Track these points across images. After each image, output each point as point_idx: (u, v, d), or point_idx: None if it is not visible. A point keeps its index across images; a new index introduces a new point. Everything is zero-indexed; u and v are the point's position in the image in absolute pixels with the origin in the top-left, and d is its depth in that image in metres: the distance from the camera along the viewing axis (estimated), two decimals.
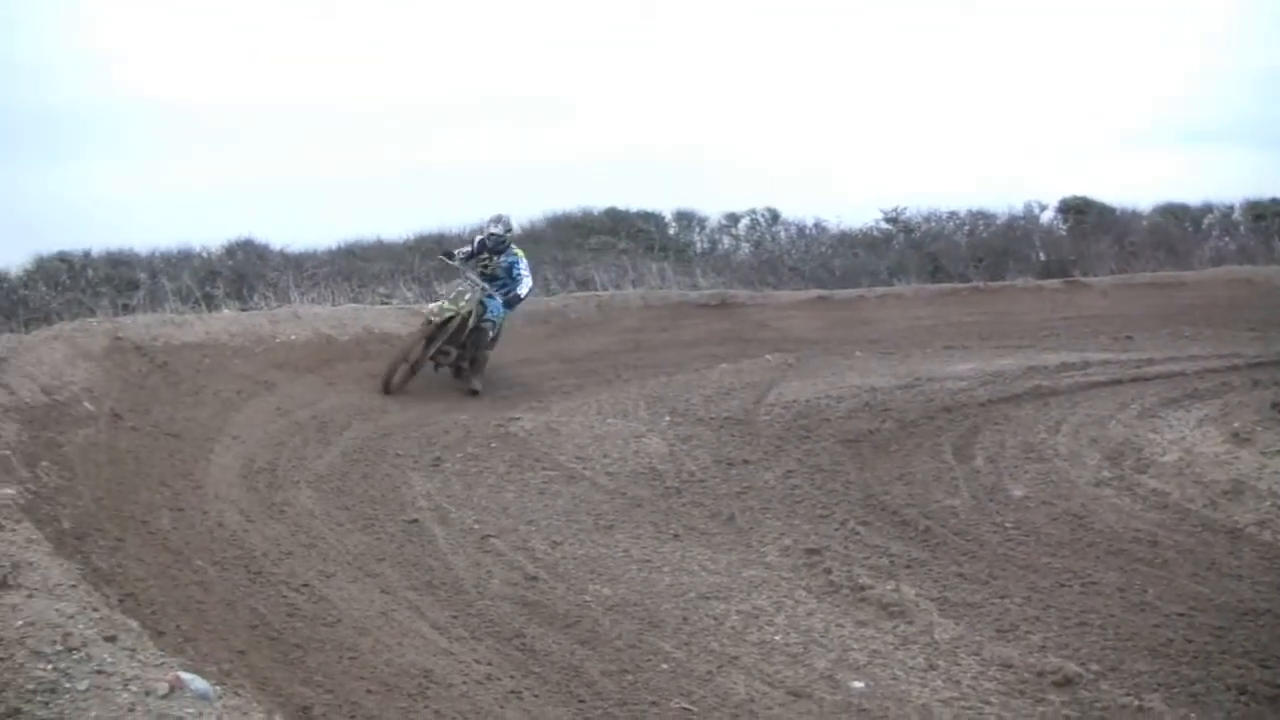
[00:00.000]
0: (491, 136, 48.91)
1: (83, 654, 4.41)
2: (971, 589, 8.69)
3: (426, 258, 24.76)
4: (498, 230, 16.49)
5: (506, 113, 52.21)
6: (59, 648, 4.42)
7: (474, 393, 16.17)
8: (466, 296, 15.96)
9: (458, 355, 16.39)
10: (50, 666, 4.28)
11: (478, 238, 16.81)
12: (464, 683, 6.93)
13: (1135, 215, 33.23)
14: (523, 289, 16.51)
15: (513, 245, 16.76)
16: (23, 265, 23.61)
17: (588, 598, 8.66)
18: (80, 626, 4.66)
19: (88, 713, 4.05)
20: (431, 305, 16.51)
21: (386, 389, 15.59)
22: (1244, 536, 9.63)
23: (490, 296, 16.20)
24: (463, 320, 15.94)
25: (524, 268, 16.57)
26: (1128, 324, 22.66)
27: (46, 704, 4.09)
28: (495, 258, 16.51)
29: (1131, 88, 54.12)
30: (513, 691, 6.94)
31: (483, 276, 16.36)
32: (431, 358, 16.12)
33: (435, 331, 15.86)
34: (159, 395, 12.58)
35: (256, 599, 7.74)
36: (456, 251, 16.83)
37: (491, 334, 16.53)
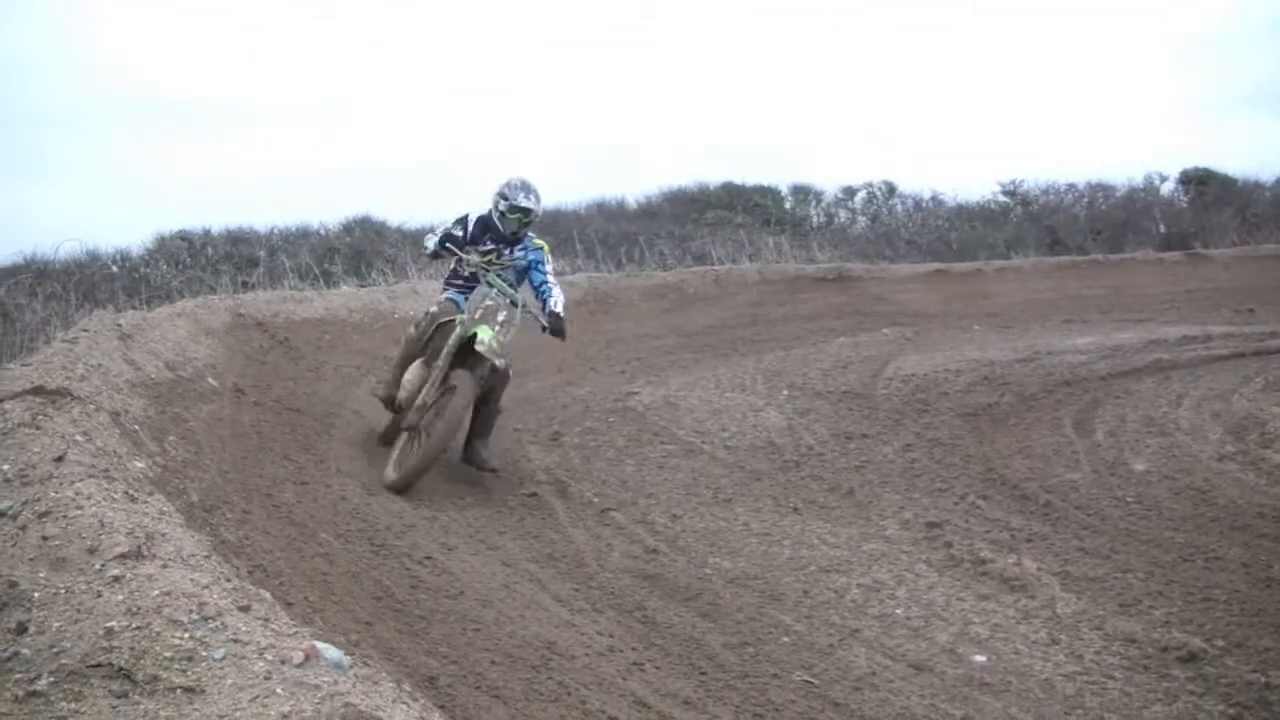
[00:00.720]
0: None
1: (218, 623, 4.48)
2: (1093, 563, 8.60)
3: (545, 232, 24.90)
4: (528, 203, 10.69)
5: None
6: (195, 616, 4.49)
7: (494, 470, 10.93)
8: (500, 318, 10.51)
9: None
10: (187, 635, 4.36)
11: (476, 213, 10.99)
12: (586, 654, 6.98)
13: (1258, 186, 32.65)
14: (559, 303, 11.02)
15: (532, 233, 11.11)
16: (145, 243, 24.08)
17: (708, 570, 8.69)
18: (215, 596, 4.73)
19: (224, 680, 4.12)
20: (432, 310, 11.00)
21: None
22: None
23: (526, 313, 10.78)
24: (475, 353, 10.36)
25: (550, 269, 11.18)
26: (1250, 296, 22.26)
27: (184, 671, 4.17)
28: (507, 250, 10.91)
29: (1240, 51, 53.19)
30: (635, 663, 6.97)
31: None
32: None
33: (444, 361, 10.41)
34: (280, 371, 12.73)
35: (380, 571, 7.82)
36: (453, 235, 10.86)
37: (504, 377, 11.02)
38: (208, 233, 24.86)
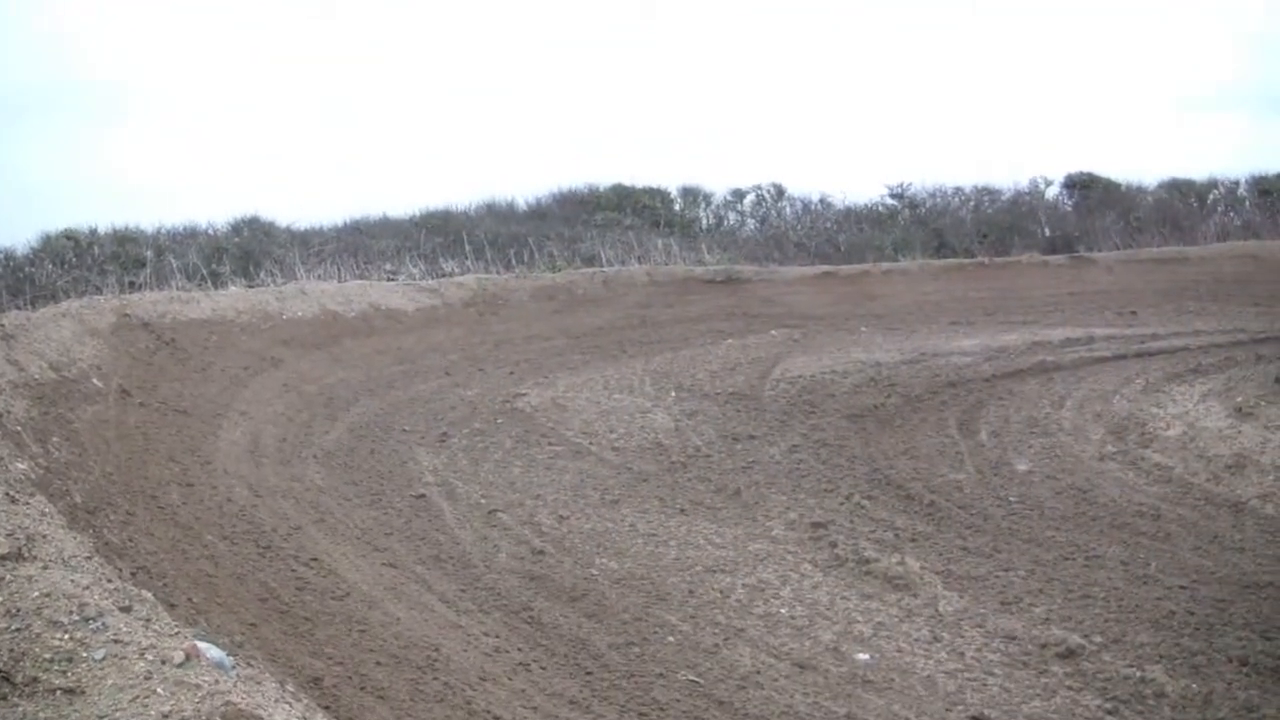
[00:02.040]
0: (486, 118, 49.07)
1: (99, 624, 4.45)
2: (976, 562, 8.73)
3: (433, 234, 24.85)
4: None
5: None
6: (75, 618, 4.46)
7: None
8: None
9: None
10: (67, 636, 4.32)
11: None
12: (472, 655, 6.99)
13: (1140, 191, 33.31)
14: None
15: None
16: (29, 243, 23.68)
17: (594, 571, 8.71)
18: (96, 597, 4.69)
19: (105, 681, 4.09)
20: None
21: None
22: (1247, 510, 9.65)
23: None
24: None
25: None
26: (1132, 299, 22.71)
27: (64, 672, 4.14)
28: None
29: (1131, 57, 54.09)
30: (521, 664, 6.99)
31: None
32: None
33: None
34: (167, 372, 12.62)
35: (266, 573, 7.78)
36: None
37: None
38: (94, 232, 24.49)
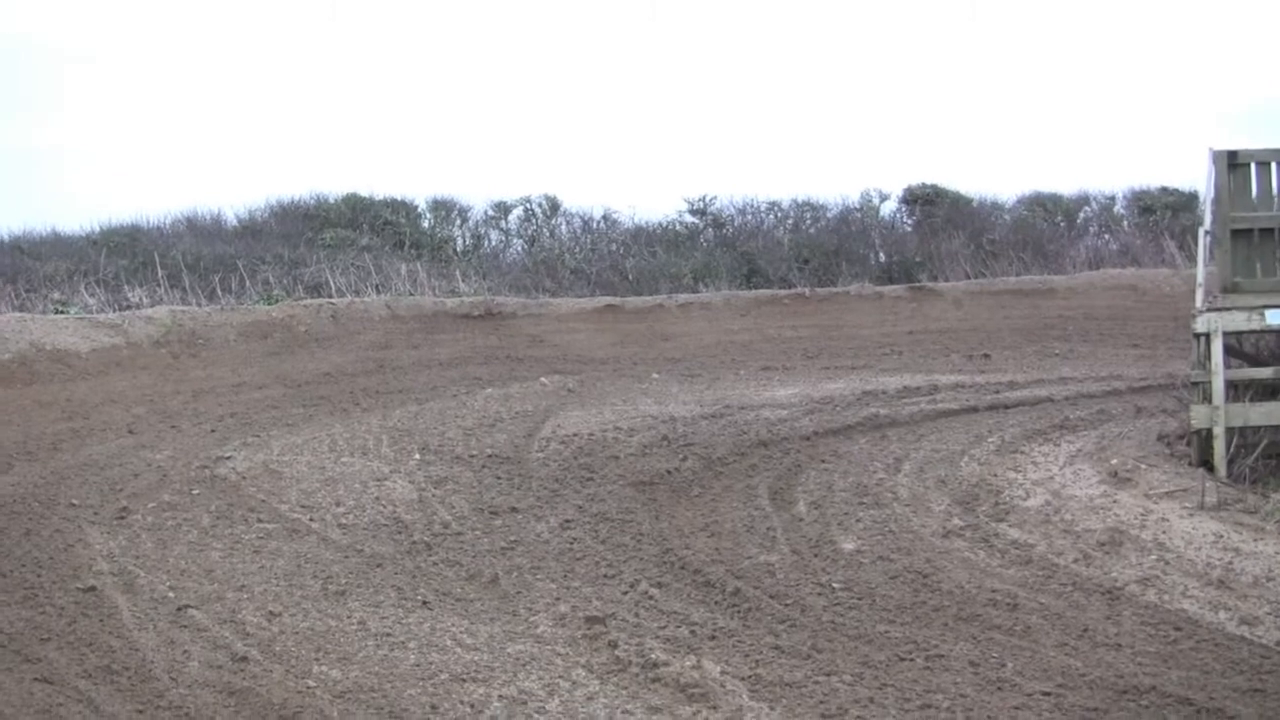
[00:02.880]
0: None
1: None
2: (791, 665, 8.73)
3: (115, 255, 24.38)
4: None
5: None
6: None
7: None
8: None
9: None
10: None
11: None
12: None
13: (996, 207, 33.83)
14: None
15: None
16: None
17: (311, 683, 8.53)
18: None
19: None
20: None
21: None
22: (1123, 597, 9.82)
23: None
24: None
25: None
26: (985, 339, 23.19)
27: None
28: None
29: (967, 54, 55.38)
30: None
31: None
32: None
33: None
34: None
35: None
36: None
37: None
38: None
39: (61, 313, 20.14)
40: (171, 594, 10.09)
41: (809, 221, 32.18)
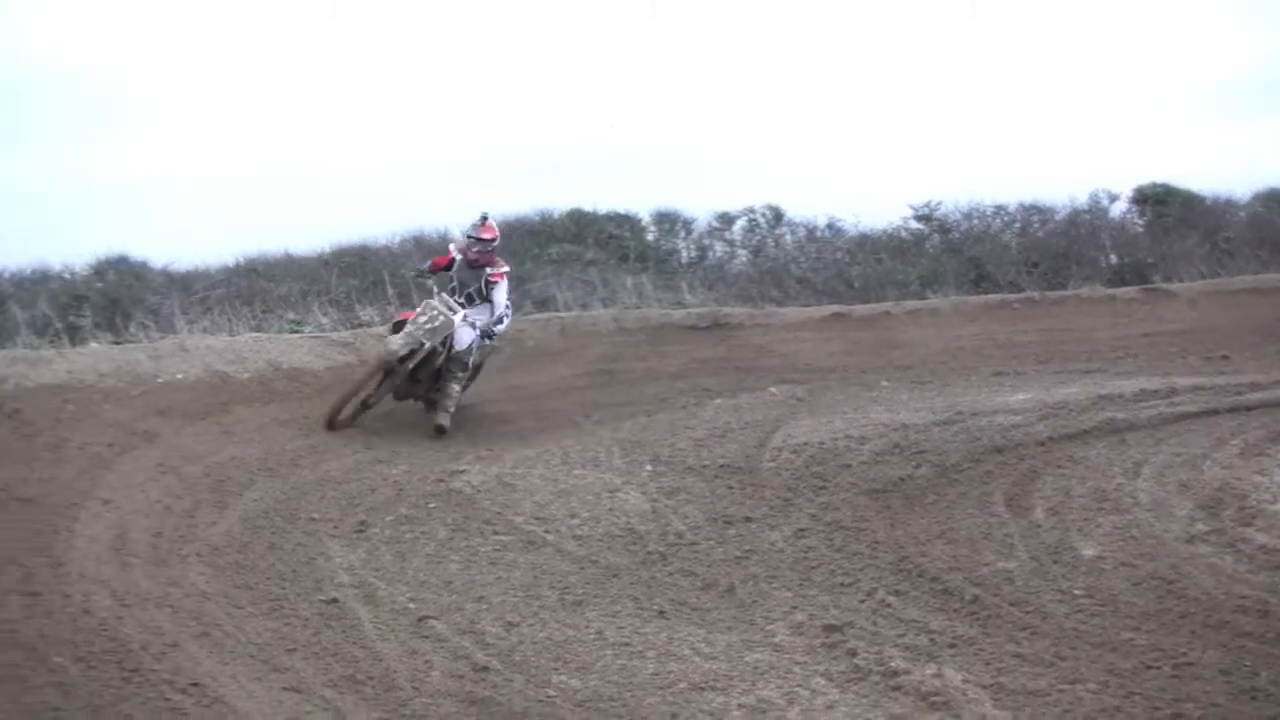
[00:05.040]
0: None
1: None
2: (1033, 673, 8.62)
3: (346, 275, 24.73)
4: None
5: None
6: None
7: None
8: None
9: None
10: None
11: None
12: None
13: (1230, 205, 33.03)
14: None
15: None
16: None
17: (551, 692, 8.61)
18: None
19: None
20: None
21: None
22: None
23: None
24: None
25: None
26: (1223, 340, 22.62)
27: None
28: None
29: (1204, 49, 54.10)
30: None
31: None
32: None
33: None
34: (8, 451, 12.50)
35: (132, 703, 7.65)
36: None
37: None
38: None
39: (296, 332, 20.45)
40: (412, 605, 10.23)
41: (1036, 225, 31.68)
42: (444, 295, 16.76)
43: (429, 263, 17.91)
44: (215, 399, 16.12)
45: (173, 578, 10.43)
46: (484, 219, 17.29)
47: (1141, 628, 9.30)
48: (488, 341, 17.29)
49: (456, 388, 16.97)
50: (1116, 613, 9.62)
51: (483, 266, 17.18)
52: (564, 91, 51.29)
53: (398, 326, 16.77)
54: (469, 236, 17.37)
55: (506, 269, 17.63)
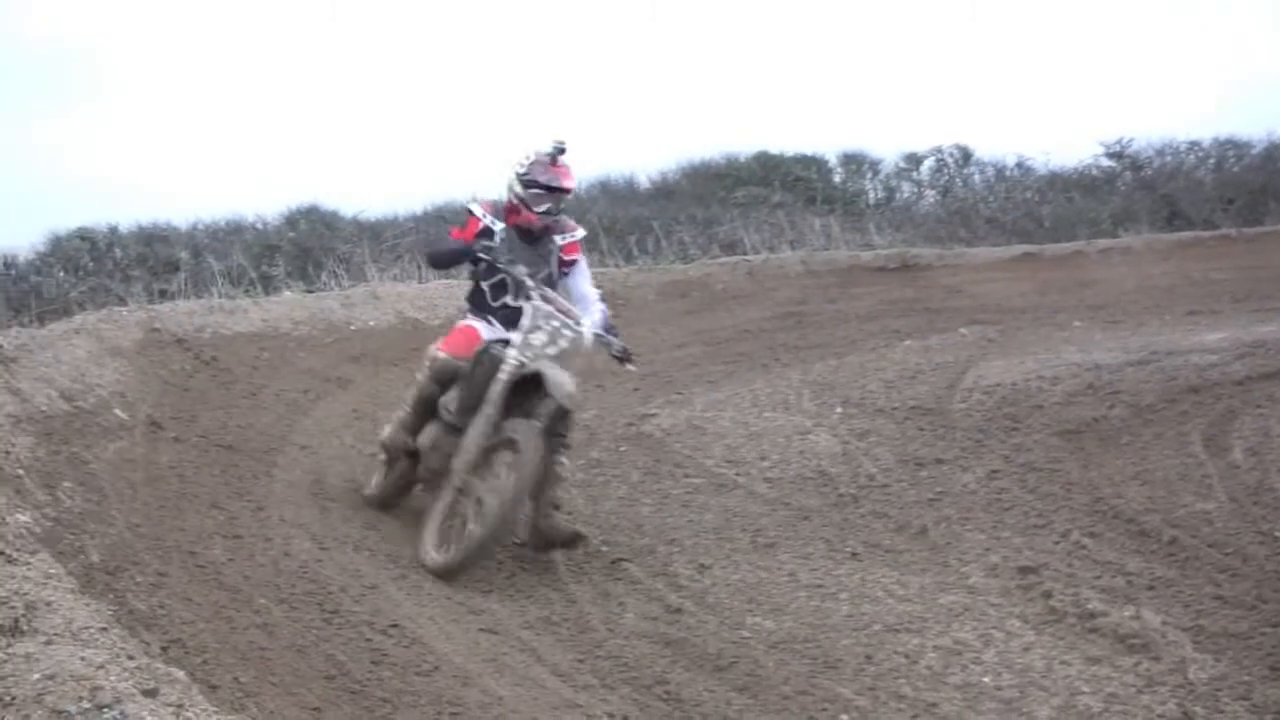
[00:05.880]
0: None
1: (116, 712, 4.40)
2: (1235, 616, 8.52)
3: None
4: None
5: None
6: (86, 705, 4.42)
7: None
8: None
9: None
10: None
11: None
12: None
13: None
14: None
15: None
16: (35, 246, 23.87)
17: (746, 633, 8.62)
18: (112, 679, 4.65)
19: None
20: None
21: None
22: None
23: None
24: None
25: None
26: None
27: None
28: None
29: None
30: None
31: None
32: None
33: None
34: (207, 399, 12.67)
35: (333, 644, 7.74)
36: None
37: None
38: (115, 230, 24.67)
39: None
40: (605, 548, 10.27)
41: (1232, 160, 31.13)
42: (543, 290, 10.06)
43: (441, 243, 12.05)
44: (407, 345, 16.21)
45: (369, 521, 10.53)
46: (559, 151, 10.17)
47: None
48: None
49: (567, 463, 10.40)
50: None
51: (550, 235, 10.48)
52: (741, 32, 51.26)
53: (443, 374, 10.13)
54: (530, 185, 10.20)
55: (583, 233, 10.94)
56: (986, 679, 7.85)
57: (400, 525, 10.45)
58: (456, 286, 18.36)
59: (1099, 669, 7.88)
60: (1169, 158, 31.15)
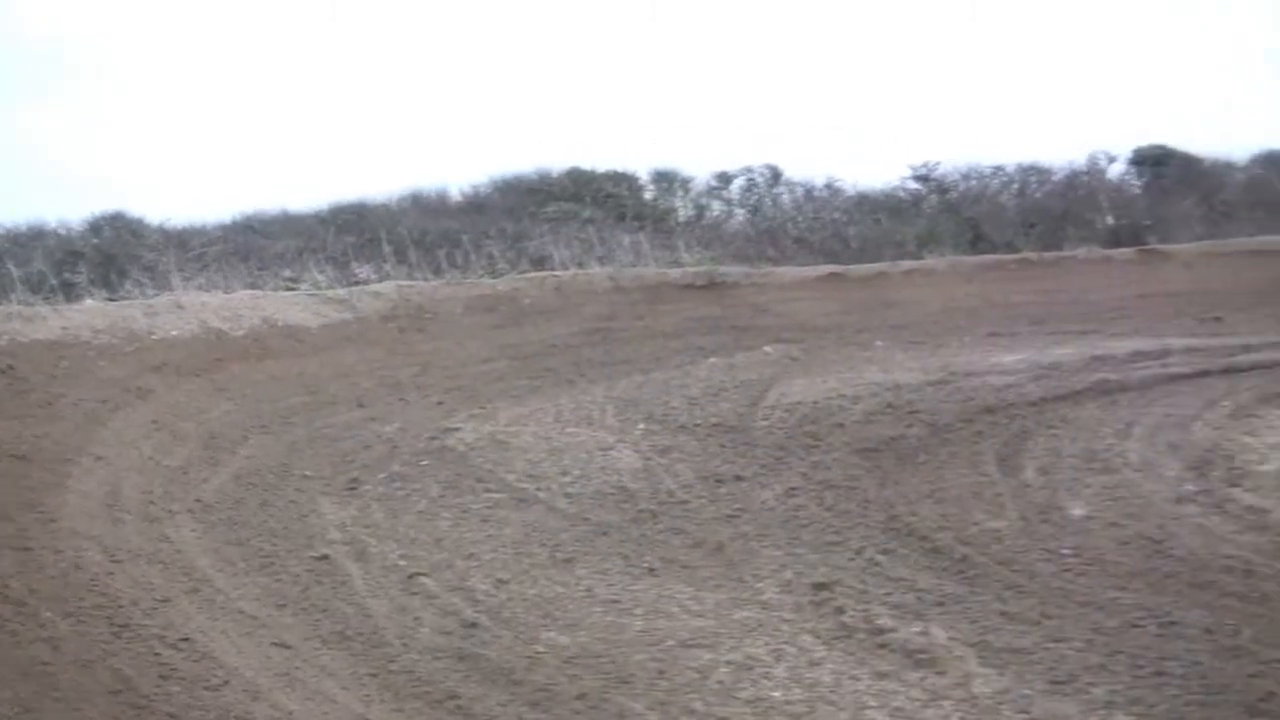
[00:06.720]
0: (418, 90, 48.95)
1: None
2: (1019, 631, 8.64)
3: (344, 232, 24.78)
4: None
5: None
6: None
7: None
8: None
9: None
10: None
11: None
12: None
13: (1228, 167, 33.10)
14: None
15: None
16: None
17: (540, 648, 8.61)
18: None
19: None
20: None
21: None
22: None
23: None
24: None
25: None
26: (1218, 302, 22.68)
27: None
28: None
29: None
30: None
31: None
32: None
33: None
34: (1, 407, 12.49)
35: (121, 658, 7.66)
36: None
37: None
38: None
39: (292, 289, 20.47)
40: (402, 562, 10.24)
41: (1035, 185, 31.78)
42: None
43: None
44: (210, 356, 16.13)
45: (164, 534, 10.45)
46: None
47: (1128, 587, 9.31)
48: None
49: None
50: (1103, 572, 9.63)
51: None
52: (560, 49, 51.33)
53: None
54: None
55: None
56: (776, 694, 7.90)
57: (195, 536, 10.39)
58: (262, 297, 18.30)
59: (887, 683, 7.97)
60: (974, 181, 31.76)
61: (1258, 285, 23.75)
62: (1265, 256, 25.54)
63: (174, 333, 16.19)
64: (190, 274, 21.39)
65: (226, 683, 7.54)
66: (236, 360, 16.41)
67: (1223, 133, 54.30)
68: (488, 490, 12.15)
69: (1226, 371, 16.03)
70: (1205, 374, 15.90)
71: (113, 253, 23.38)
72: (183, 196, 48.39)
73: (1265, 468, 11.61)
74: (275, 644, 8.44)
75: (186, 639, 8.12)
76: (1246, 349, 17.71)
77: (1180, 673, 7.89)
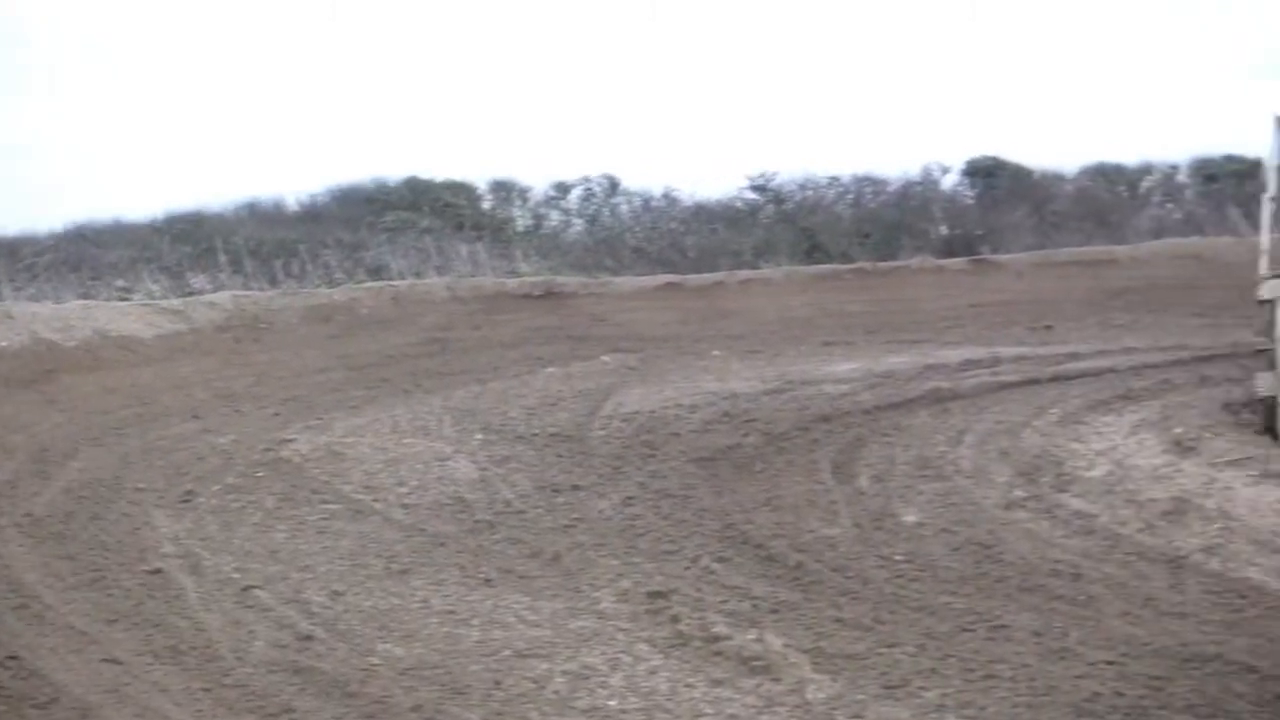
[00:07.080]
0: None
1: None
2: (853, 637, 8.70)
3: (179, 242, 24.51)
4: None
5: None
6: None
7: None
8: None
9: None
10: None
11: None
12: None
13: (1058, 178, 33.58)
14: None
15: None
16: None
17: (375, 660, 8.55)
18: None
19: None
20: None
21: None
22: (1187, 566, 9.72)
23: None
24: None
25: None
26: (1048, 311, 23.05)
27: None
28: None
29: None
30: None
31: None
32: None
33: None
34: None
35: None
36: None
37: None
38: None
39: (125, 300, 20.24)
40: (237, 575, 10.14)
41: (870, 195, 32.05)
42: None
43: None
44: (40, 367, 15.91)
45: None
46: None
47: (959, 592, 9.42)
48: None
49: None
50: (935, 578, 9.74)
51: None
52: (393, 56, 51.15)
53: None
54: None
55: None
56: (613, 702, 7.91)
57: (24, 551, 10.24)
58: (94, 307, 18.06)
59: (722, 691, 8.00)
60: (810, 192, 31.91)
61: (1086, 294, 24.20)
62: (1093, 266, 25.98)
63: (3, 344, 15.95)
64: (20, 284, 21.11)
65: (55, 700, 7.45)
66: (68, 372, 16.20)
67: (1052, 144, 55.31)
68: (323, 502, 12.07)
69: (1056, 379, 16.29)
70: (1035, 382, 16.16)
71: None
72: (12, 204, 47.64)
73: (1092, 474, 11.79)
74: (105, 660, 8.33)
75: (14, 656, 8.01)
76: (1075, 357, 18.02)
77: (1009, 675, 8.00)
